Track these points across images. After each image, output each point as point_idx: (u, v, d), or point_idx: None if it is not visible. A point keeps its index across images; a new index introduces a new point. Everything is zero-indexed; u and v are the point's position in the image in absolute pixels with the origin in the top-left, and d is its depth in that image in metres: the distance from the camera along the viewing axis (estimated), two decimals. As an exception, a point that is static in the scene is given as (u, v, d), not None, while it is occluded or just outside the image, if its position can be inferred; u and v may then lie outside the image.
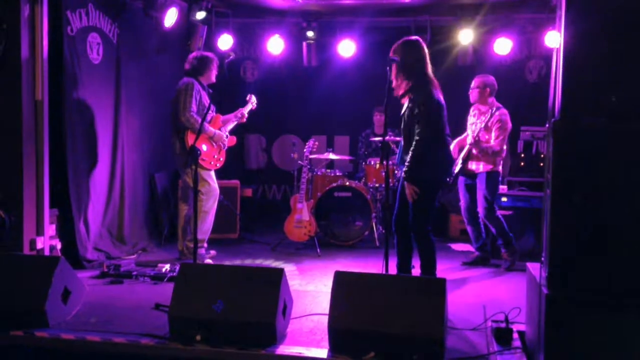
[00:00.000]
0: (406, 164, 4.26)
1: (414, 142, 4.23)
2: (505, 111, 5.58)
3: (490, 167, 5.55)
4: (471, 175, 5.65)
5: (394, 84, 4.31)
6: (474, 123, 5.69)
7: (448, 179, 5.57)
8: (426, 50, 4.40)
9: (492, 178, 5.54)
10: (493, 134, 5.55)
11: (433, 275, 4.39)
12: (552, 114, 3.07)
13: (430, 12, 7.28)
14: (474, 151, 5.58)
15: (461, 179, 5.72)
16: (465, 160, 5.62)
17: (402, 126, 4.38)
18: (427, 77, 4.33)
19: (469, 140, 5.60)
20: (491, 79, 5.67)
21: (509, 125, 5.59)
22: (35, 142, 4.84)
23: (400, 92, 4.33)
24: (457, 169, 5.62)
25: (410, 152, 4.25)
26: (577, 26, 2.97)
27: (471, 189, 5.69)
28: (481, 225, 5.75)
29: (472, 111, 5.78)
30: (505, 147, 5.60)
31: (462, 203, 5.79)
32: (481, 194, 5.56)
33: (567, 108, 2.97)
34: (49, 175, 4.95)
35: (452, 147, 5.59)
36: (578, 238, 2.92)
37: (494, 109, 5.54)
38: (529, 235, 5.86)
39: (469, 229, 5.81)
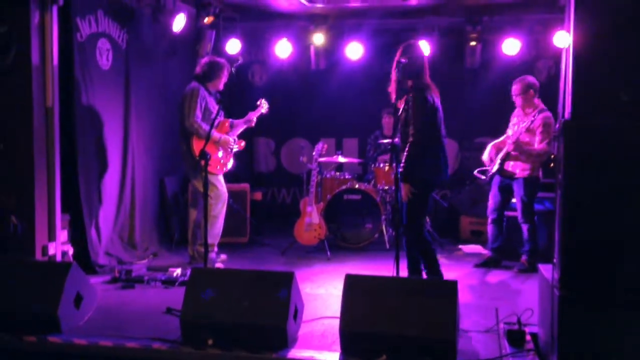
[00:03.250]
0: (401, 164, 4.30)
1: (407, 144, 4.29)
2: (549, 114, 5.40)
3: (527, 172, 5.43)
4: (508, 176, 5.55)
5: (390, 87, 4.35)
6: (516, 124, 5.54)
7: (485, 176, 5.55)
8: (424, 53, 4.44)
9: (530, 183, 5.44)
10: (537, 138, 5.40)
11: (439, 275, 4.39)
12: (562, 114, 3.06)
13: (437, 14, 7.27)
14: (513, 152, 5.45)
15: (496, 179, 5.63)
16: (503, 161, 5.53)
17: (399, 128, 4.43)
18: (424, 80, 4.39)
19: (510, 140, 5.45)
20: (530, 79, 5.49)
21: (554, 128, 5.36)
22: (47, 148, 4.86)
23: (394, 96, 4.36)
24: (494, 169, 5.56)
25: (404, 153, 4.30)
26: (586, 26, 2.96)
27: (505, 190, 5.61)
28: (504, 228, 5.71)
29: (516, 113, 5.65)
30: (549, 151, 5.38)
31: (491, 203, 5.71)
32: (518, 198, 5.49)
33: (578, 108, 2.96)
34: (60, 181, 4.97)
35: (488, 148, 5.59)
36: (590, 239, 2.91)
37: (538, 111, 5.37)
38: (542, 236, 5.83)
39: (490, 227, 5.74)
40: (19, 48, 4.69)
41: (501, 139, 5.64)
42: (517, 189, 5.49)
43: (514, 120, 5.64)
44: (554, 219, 3.17)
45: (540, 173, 5.54)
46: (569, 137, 2.95)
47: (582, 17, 2.96)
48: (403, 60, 4.29)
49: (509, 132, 5.60)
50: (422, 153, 4.30)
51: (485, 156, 5.68)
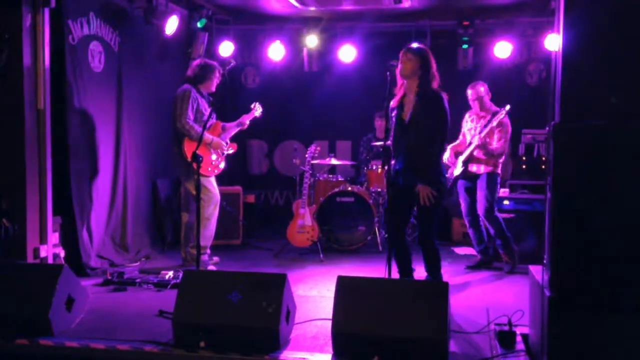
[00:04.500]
0: (420, 166, 4.21)
1: (428, 145, 4.21)
2: (504, 114, 5.59)
3: (490, 168, 5.61)
4: (471, 178, 5.67)
5: (398, 84, 4.32)
6: (472, 128, 5.71)
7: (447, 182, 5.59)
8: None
9: (492, 179, 5.60)
10: (495, 137, 5.60)
11: (439, 279, 4.39)
12: (552, 116, 3.08)
13: (430, 17, 7.31)
14: (475, 153, 5.60)
15: (461, 183, 5.73)
16: (465, 163, 5.63)
17: (400, 131, 4.31)
18: (436, 83, 4.32)
19: (475, 142, 5.55)
20: (482, 85, 5.71)
21: (510, 127, 5.65)
22: (38, 150, 4.85)
23: (397, 98, 4.33)
24: (456, 172, 5.64)
25: (424, 155, 4.22)
26: (576, 29, 2.98)
27: (471, 192, 5.71)
28: (482, 228, 5.76)
29: (469, 116, 5.81)
30: (507, 149, 5.66)
31: (463, 207, 5.81)
32: (482, 194, 5.60)
33: (567, 111, 2.98)
34: (51, 183, 4.96)
35: (447, 152, 5.63)
36: (580, 240, 2.93)
37: (492, 113, 5.59)
38: (531, 237, 5.86)
39: (470, 232, 5.83)
40: (11, 51, 4.68)
41: (457, 142, 5.76)
42: (481, 184, 5.61)
43: (468, 125, 5.78)
44: (543, 221, 3.19)
45: (500, 171, 5.69)
46: (558, 140, 2.97)
47: (571, 20, 2.98)
48: (394, 63, 4.26)
49: (467, 135, 5.74)
50: (439, 156, 4.32)
51: (445, 158, 5.69)
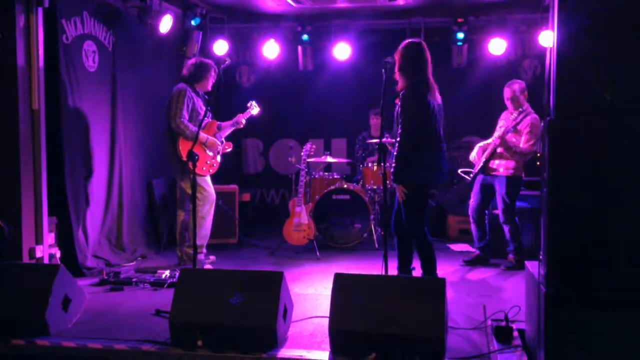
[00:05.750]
0: (393, 165, 4.31)
1: (399, 146, 4.28)
2: (536, 116, 5.50)
3: (511, 171, 5.48)
4: (489, 173, 5.59)
5: (386, 86, 4.36)
6: (502, 126, 5.60)
7: (469, 176, 5.55)
8: (426, 53, 4.40)
9: (513, 182, 5.48)
10: (523, 138, 5.47)
11: (434, 275, 4.41)
12: (547, 112, 3.09)
13: (424, 14, 7.32)
14: (498, 150, 5.50)
15: (479, 178, 5.67)
16: (487, 159, 5.56)
17: (394, 127, 4.44)
18: (422, 80, 4.33)
19: (490, 141, 5.52)
20: (519, 83, 5.59)
21: (539, 131, 5.46)
22: (33, 150, 4.84)
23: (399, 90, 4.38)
24: (478, 167, 5.60)
25: (395, 153, 4.31)
26: (570, 25, 2.99)
27: (487, 189, 5.64)
28: (487, 226, 5.75)
29: (504, 116, 5.71)
30: (533, 153, 5.50)
31: (472, 201, 5.76)
32: (500, 197, 5.53)
33: (562, 106, 2.99)
34: (47, 183, 4.95)
35: (475, 149, 5.61)
36: (575, 236, 2.94)
37: (525, 112, 5.46)
38: (528, 233, 5.87)
39: (473, 227, 5.79)
40: (5, 50, 4.66)
41: (488, 141, 5.67)
42: (499, 187, 5.53)
43: (501, 122, 5.70)
44: (539, 217, 3.20)
45: (523, 174, 5.59)
46: (553, 135, 2.98)
47: (564, 17, 2.99)
48: (389, 60, 4.29)
49: (496, 134, 5.64)
50: (411, 153, 4.27)
51: (472, 156, 5.72)
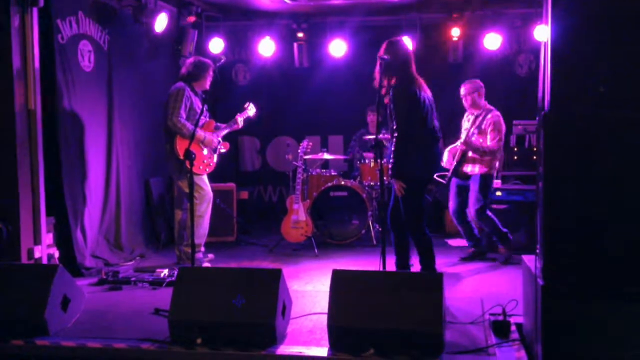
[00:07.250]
0: (390, 160, 4.31)
1: (393, 140, 4.29)
2: (497, 113, 5.59)
3: (485, 169, 5.57)
4: (465, 177, 5.66)
5: (382, 83, 4.36)
6: (467, 129, 5.68)
7: (444, 180, 5.60)
8: (409, 49, 4.45)
9: (485, 180, 5.57)
10: (488, 136, 5.56)
11: (432, 270, 4.43)
12: (542, 106, 3.10)
13: (419, 10, 7.32)
14: (469, 154, 5.59)
15: (454, 181, 5.73)
16: (460, 163, 5.62)
17: (388, 124, 4.46)
18: (409, 76, 4.38)
19: (458, 145, 5.61)
20: (478, 82, 5.69)
21: (503, 126, 5.62)
22: (30, 151, 4.84)
23: (383, 91, 4.39)
24: (451, 172, 5.64)
25: (392, 149, 4.32)
26: (564, 19, 3.00)
27: (462, 191, 5.71)
28: (472, 224, 5.78)
29: (467, 117, 5.79)
30: (501, 148, 5.63)
31: (451, 205, 5.82)
32: (473, 195, 5.59)
33: (556, 100, 3.00)
34: (44, 183, 4.95)
35: (445, 154, 5.64)
36: (571, 229, 2.95)
37: (486, 111, 5.57)
38: (525, 228, 5.90)
39: (460, 228, 5.87)
40: (0, 51, 4.65)
41: (457, 144, 5.74)
42: (473, 185, 5.60)
43: (465, 125, 5.78)
44: (535, 211, 3.21)
45: (495, 173, 5.68)
46: (548, 129, 2.99)
47: (559, 11, 3.00)
48: (385, 57, 4.31)
49: (462, 138, 5.72)
50: (408, 148, 4.30)
51: (444, 161, 5.71)
